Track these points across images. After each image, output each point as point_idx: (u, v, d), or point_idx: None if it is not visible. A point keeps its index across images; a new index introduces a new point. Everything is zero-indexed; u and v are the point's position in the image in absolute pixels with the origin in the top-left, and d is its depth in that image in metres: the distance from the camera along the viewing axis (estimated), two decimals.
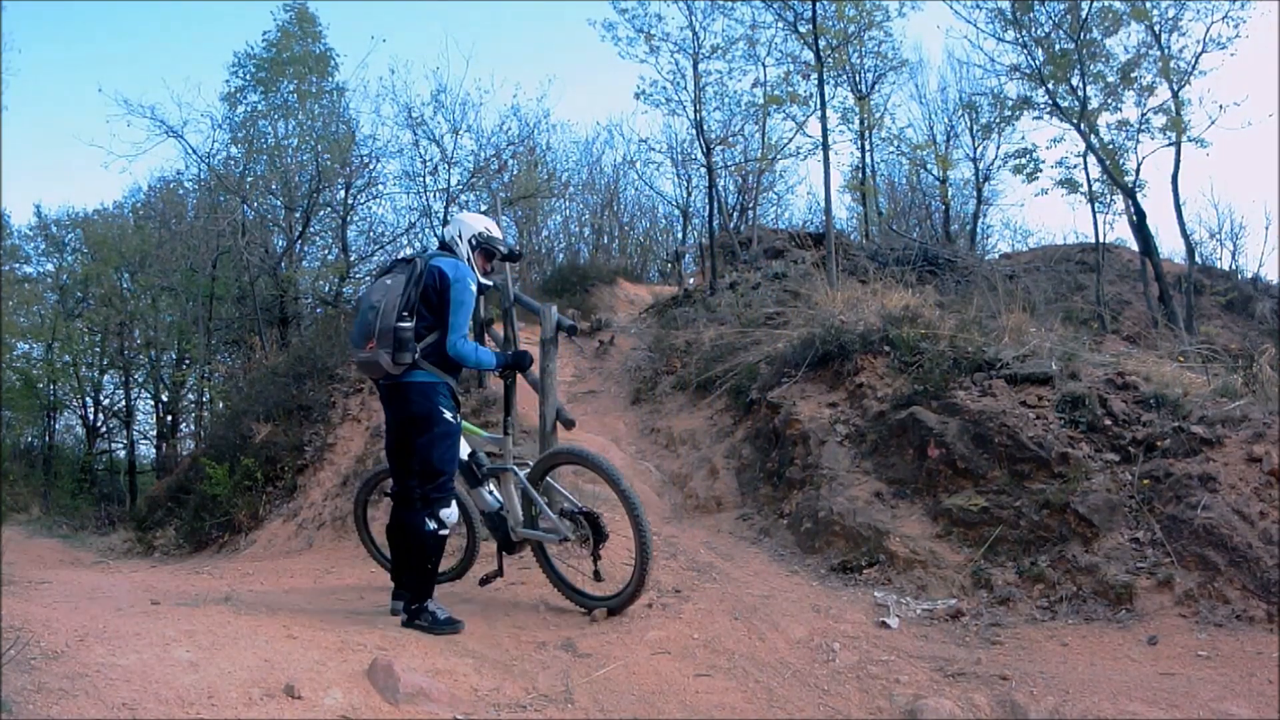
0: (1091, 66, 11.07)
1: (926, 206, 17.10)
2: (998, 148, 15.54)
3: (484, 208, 14.09)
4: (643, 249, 18.07)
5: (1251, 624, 3.55)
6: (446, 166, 13.53)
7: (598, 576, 3.98)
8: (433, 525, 3.77)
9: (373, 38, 32.21)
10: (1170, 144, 11.17)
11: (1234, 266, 14.80)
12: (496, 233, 4.19)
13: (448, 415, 3.83)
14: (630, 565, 3.95)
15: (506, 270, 5.57)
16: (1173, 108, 11.11)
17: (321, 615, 3.86)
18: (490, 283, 4.36)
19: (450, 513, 3.84)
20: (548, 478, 4.22)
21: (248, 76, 14.19)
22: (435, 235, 14.22)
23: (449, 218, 4.32)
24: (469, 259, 4.04)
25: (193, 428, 16.55)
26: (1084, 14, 10.73)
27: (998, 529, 4.41)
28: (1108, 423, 4.66)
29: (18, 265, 18.33)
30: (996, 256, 15.60)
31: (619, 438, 7.02)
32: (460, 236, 4.07)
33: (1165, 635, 3.59)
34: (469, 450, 4.20)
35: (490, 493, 4.23)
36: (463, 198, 13.90)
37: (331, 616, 3.87)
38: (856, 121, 13.66)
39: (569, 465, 4.36)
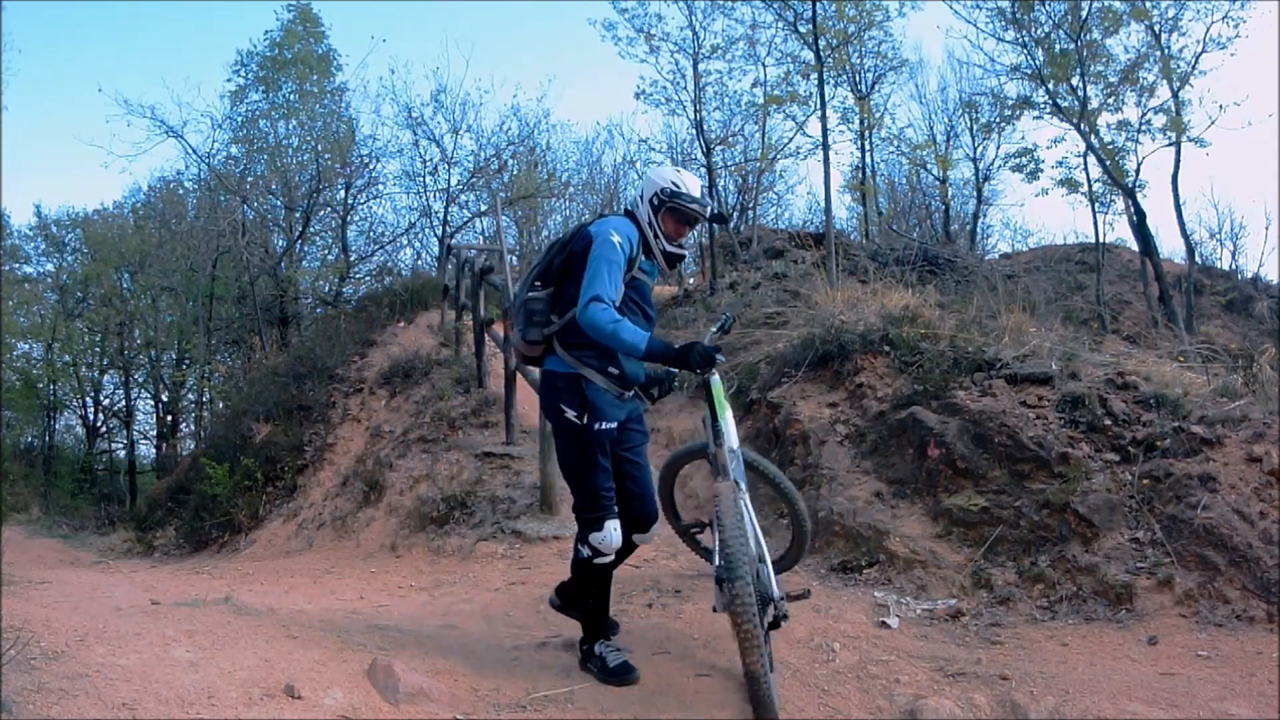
0: (1091, 66, 11.09)
1: (926, 206, 17.13)
2: (998, 148, 15.63)
3: (483, 207, 14.08)
4: None
5: (1251, 624, 3.54)
6: (446, 166, 13.58)
7: None
8: (585, 552, 3.16)
9: (373, 38, 32.44)
10: (1170, 144, 11.21)
11: (1234, 266, 14.88)
12: (689, 187, 3.15)
13: (570, 415, 3.04)
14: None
15: (506, 270, 5.55)
16: (1173, 108, 11.15)
17: (321, 615, 3.86)
18: (683, 252, 3.27)
19: (603, 536, 3.10)
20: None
21: (250, 75, 14.22)
22: (435, 235, 14.24)
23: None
24: (650, 222, 3.13)
25: (193, 428, 16.60)
26: (1084, 14, 10.74)
27: (998, 529, 4.41)
28: (1108, 423, 4.65)
29: (18, 265, 18.38)
30: (996, 256, 15.64)
31: None
32: (642, 197, 3.16)
33: (1165, 635, 3.58)
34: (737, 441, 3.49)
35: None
36: (463, 198, 13.91)
37: (331, 616, 3.87)
38: (856, 121, 13.69)
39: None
